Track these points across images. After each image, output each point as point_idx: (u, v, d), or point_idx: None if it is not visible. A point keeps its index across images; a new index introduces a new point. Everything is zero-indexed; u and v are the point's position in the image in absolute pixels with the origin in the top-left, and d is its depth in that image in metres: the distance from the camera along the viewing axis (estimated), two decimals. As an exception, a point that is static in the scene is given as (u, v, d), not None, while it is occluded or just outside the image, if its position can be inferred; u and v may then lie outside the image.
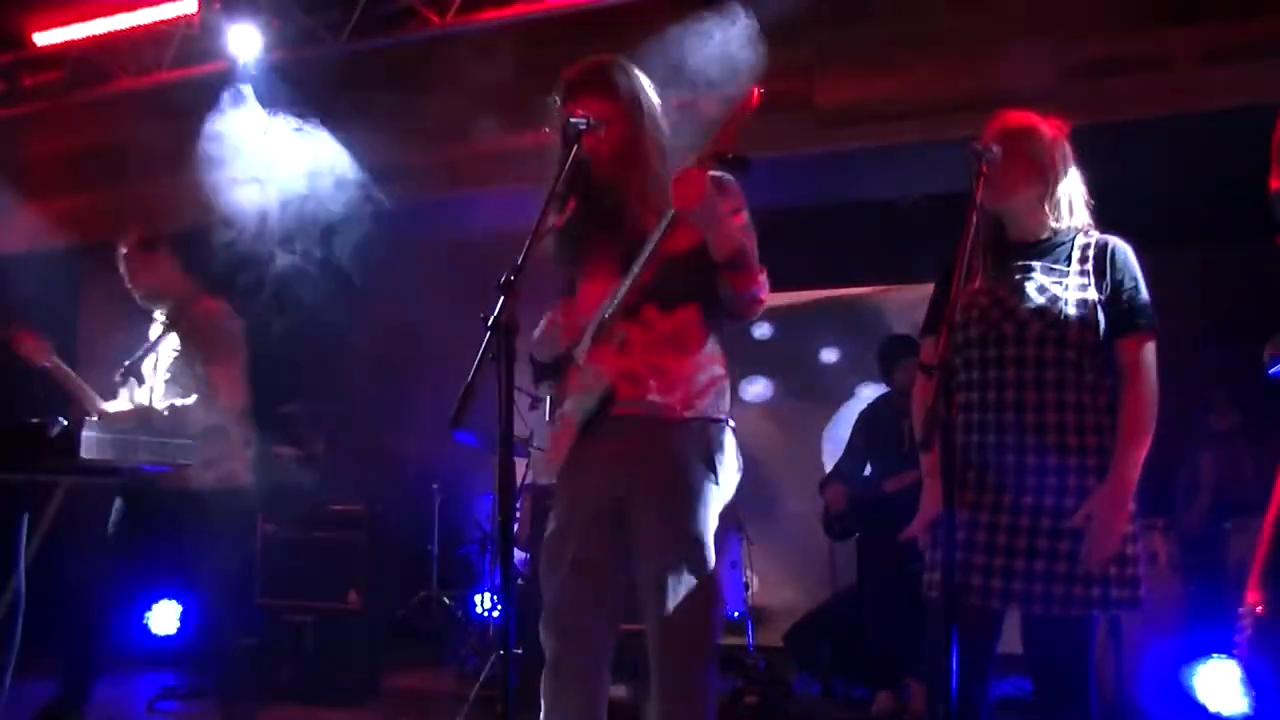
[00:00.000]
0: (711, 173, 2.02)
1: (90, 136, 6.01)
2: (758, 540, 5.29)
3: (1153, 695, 3.98)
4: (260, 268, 4.32)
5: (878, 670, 4.40)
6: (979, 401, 2.29)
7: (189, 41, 5.46)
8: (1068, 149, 2.35)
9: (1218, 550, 4.21)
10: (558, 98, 2.28)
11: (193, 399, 3.51)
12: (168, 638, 5.25)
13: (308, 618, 4.65)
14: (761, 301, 2.21)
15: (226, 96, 4.90)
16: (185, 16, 5.28)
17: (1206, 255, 5.17)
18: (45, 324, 3.61)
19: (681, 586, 2.16)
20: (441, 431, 2.01)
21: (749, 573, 5.09)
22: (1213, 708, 3.87)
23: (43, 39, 5.45)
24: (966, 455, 2.26)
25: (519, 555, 4.82)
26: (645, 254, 2.15)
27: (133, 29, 5.35)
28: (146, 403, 3.60)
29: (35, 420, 2.73)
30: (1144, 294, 2.27)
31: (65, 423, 2.71)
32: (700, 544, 2.18)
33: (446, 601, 6.06)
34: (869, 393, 5.66)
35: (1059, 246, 2.32)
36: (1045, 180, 2.32)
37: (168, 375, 3.60)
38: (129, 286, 3.73)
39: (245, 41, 5.13)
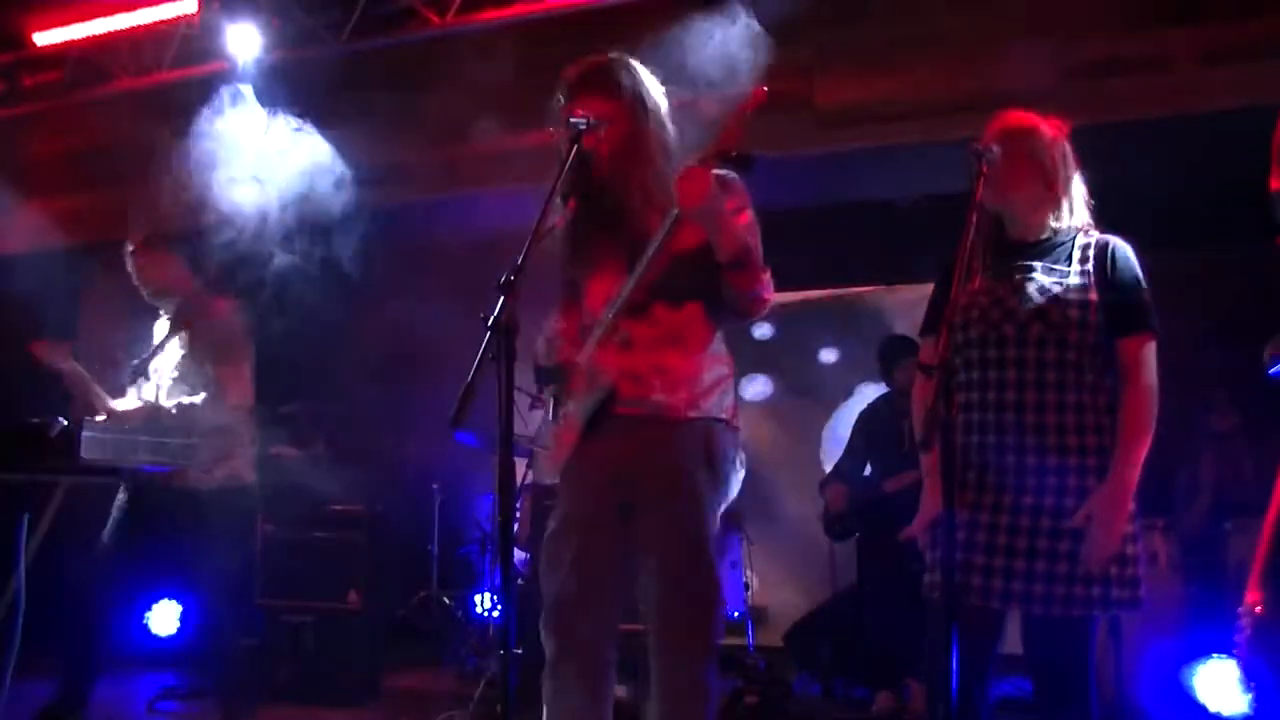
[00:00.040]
0: (716, 171, 2.01)
1: (90, 136, 6.00)
2: (758, 540, 5.28)
3: (1153, 695, 3.98)
4: (260, 268, 4.31)
5: (878, 670, 4.40)
6: (979, 402, 2.29)
7: (189, 41, 5.46)
8: (1068, 149, 2.35)
9: (1218, 550, 4.21)
10: (561, 97, 2.27)
11: (201, 397, 3.51)
12: (168, 638, 5.25)
13: (307, 618, 4.64)
14: (766, 301, 2.20)
15: (226, 96, 4.90)
16: (185, 16, 5.26)
17: (1207, 255, 5.16)
18: (45, 324, 3.61)
19: (682, 587, 2.15)
20: (441, 431, 2.01)
21: (749, 573, 5.08)
22: (1213, 708, 3.87)
23: (42, 39, 5.44)
24: (966, 455, 2.26)
25: (519, 555, 4.82)
26: (650, 252, 2.14)
27: (132, 29, 5.34)
28: (154, 401, 3.61)
29: (35, 420, 2.73)
30: (1144, 294, 2.27)
31: (65, 423, 2.72)
32: (701, 545, 2.17)
33: (446, 601, 6.05)
34: (869, 392, 5.65)
35: (1059, 246, 2.31)
36: (1045, 180, 2.32)
37: (175, 373, 3.60)
38: (136, 284, 3.73)
39: (245, 41, 5.12)
